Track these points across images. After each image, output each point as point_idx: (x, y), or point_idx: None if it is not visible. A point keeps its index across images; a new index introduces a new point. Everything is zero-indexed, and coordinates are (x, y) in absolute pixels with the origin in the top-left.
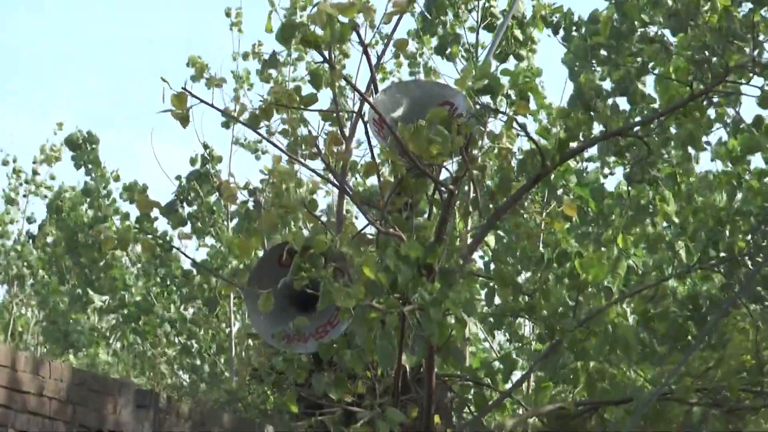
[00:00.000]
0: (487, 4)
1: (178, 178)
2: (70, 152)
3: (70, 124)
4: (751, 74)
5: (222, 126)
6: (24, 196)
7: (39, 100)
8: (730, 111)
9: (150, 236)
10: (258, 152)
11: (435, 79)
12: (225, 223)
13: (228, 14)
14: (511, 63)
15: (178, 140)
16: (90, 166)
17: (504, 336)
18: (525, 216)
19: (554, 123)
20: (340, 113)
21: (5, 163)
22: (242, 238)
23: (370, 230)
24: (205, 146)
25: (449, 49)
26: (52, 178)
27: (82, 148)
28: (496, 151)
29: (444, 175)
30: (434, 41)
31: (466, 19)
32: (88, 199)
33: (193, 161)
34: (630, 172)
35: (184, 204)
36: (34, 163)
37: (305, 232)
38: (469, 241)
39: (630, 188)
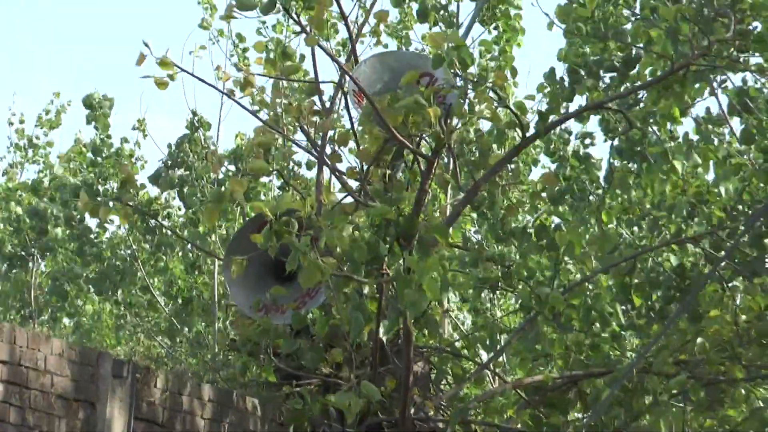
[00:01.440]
0: None
1: (170, 146)
2: (86, 110)
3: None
4: (732, 49)
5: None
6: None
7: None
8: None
9: (130, 204)
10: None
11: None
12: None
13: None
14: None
15: (171, 113)
16: (99, 128)
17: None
18: (502, 188)
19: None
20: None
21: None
22: (209, 205)
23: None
24: (194, 113)
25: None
26: (50, 144)
27: (96, 109)
28: (475, 120)
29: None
30: (414, 6)
31: None
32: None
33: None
34: (617, 146)
35: (175, 168)
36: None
37: (283, 201)
38: (448, 212)
39: (612, 160)
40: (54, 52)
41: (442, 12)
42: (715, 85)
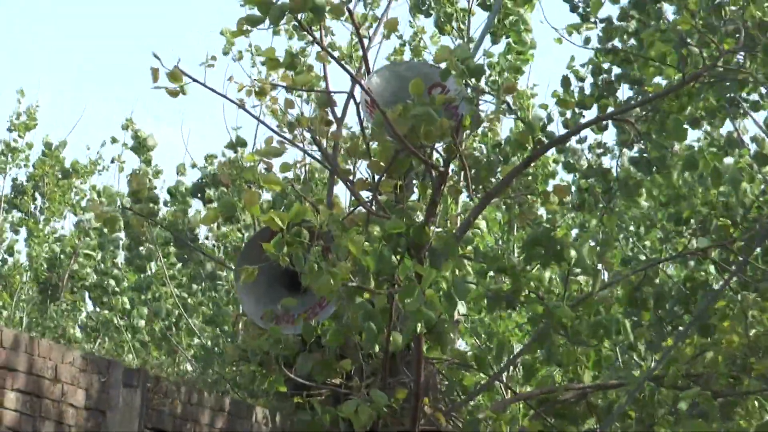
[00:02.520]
0: None
1: (208, 157)
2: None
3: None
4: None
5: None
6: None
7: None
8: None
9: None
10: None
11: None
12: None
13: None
14: (502, 45)
15: (202, 122)
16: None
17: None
18: (514, 198)
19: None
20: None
21: None
22: (212, 209)
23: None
24: (236, 133)
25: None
26: (30, 146)
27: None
28: (487, 132)
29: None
30: (428, 20)
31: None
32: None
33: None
34: (631, 158)
35: (212, 187)
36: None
37: (293, 210)
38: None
39: (619, 168)
40: (56, 52)
41: (455, 24)
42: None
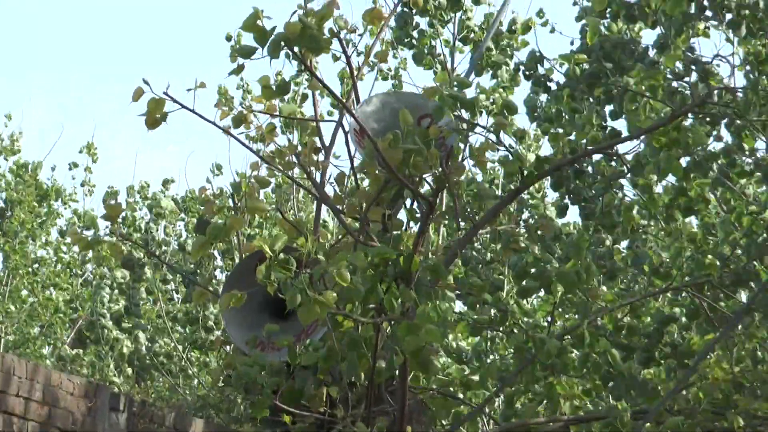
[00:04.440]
0: (464, 17)
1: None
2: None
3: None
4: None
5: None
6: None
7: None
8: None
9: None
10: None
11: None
12: None
13: (229, 39)
14: (485, 79)
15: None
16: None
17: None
18: (502, 229)
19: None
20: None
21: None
22: (201, 237)
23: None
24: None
25: (424, 59)
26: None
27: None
28: (474, 165)
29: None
30: (408, 53)
31: (442, 33)
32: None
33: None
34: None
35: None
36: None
37: (282, 237)
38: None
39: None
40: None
41: (438, 58)
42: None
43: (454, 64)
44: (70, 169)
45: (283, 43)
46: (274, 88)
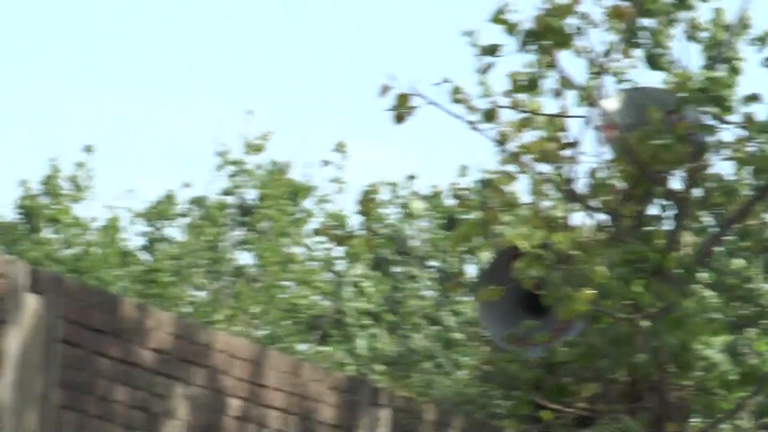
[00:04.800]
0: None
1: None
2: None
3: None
4: None
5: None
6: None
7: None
8: None
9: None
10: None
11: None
12: None
13: (469, 34)
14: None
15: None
16: None
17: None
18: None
19: None
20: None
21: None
22: (461, 228)
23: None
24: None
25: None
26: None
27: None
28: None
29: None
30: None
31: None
32: None
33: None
34: None
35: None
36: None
37: (538, 233)
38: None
39: None
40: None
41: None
42: None
43: (686, 63)
44: (320, 167)
45: (528, 38)
46: (526, 83)
